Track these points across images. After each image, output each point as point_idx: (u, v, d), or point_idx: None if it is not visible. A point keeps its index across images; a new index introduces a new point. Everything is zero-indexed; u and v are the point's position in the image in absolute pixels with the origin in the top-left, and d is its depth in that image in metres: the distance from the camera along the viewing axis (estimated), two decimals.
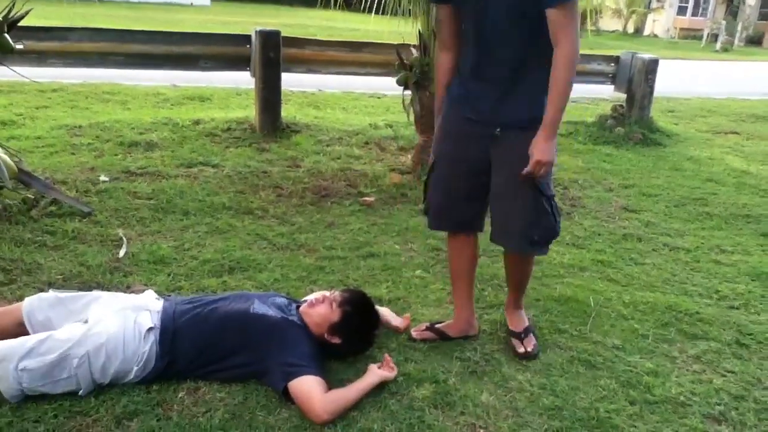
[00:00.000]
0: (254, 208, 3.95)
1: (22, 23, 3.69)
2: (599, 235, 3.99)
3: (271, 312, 2.28)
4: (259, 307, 2.27)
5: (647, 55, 7.04)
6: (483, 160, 2.40)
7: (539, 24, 2.17)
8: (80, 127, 5.55)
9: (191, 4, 24.73)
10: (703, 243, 3.96)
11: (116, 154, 4.84)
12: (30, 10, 3.68)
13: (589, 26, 7.16)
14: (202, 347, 2.18)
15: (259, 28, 5.54)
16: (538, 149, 2.22)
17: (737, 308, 3.11)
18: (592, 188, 4.97)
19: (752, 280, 3.45)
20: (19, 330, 2.22)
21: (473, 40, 2.32)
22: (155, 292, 2.47)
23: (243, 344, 2.19)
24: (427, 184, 2.60)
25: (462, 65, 2.43)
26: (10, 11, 3.51)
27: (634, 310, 3.00)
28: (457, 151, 2.45)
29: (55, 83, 7.09)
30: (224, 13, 22.51)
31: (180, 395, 2.11)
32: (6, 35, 3.56)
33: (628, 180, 5.25)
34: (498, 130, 2.33)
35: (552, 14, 2.14)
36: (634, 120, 6.84)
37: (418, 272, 3.24)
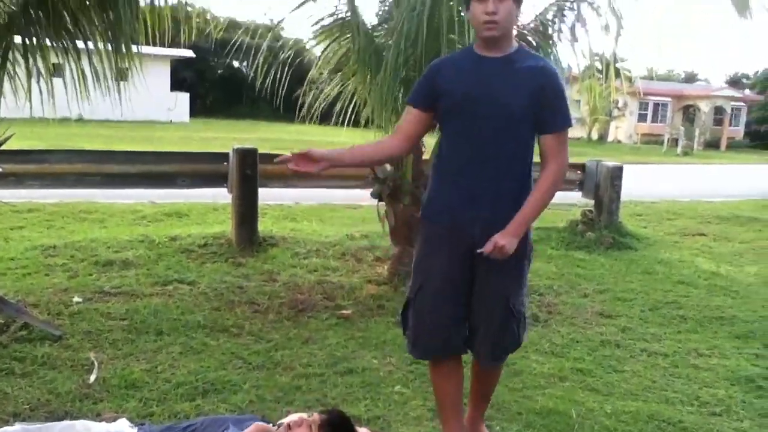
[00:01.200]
0: (230, 325, 3.91)
1: (2, 147, 3.78)
2: (577, 342, 3.99)
3: None
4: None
5: (611, 162, 7.34)
6: (467, 275, 2.39)
7: (530, 129, 2.33)
8: (55, 247, 5.52)
9: (170, 121, 25.38)
10: (680, 347, 3.97)
11: (91, 274, 4.80)
12: (12, 135, 3.77)
13: None
14: None
15: (236, 146, 5.70)
16: (504, 237, 2.24)
17: (719, 414, 3.09)
18: (568, 294, 5.01)
19: (732, 385, 3.44)
20: None
21: (461, 142, 2.35)
22: (128, 419, 2.40)
23: None
24: (408, 309, 2.51)
25: (444, 168, 2.43)
26: None
27: (616, 420, 2.97)
28: (444, 269, 2.39)
29: (30, 203, 7.12)
30: (203, 129, 23.10)
31: None
32: None
33: (602, 285, 5.31)
34: (482, 236, 2.29)
35: (548, 139, 2.32)
36: (604, 225, 7.01)
37: (397, 387, 3.19)
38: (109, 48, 3.80)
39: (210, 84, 35.55)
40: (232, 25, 4.69)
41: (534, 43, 4.57)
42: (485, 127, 2.29)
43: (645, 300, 4.94)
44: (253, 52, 4.92)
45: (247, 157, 5.65)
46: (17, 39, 3.70)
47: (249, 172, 5.64)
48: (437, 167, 2.48)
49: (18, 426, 2.26)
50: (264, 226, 6.25)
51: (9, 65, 3.71)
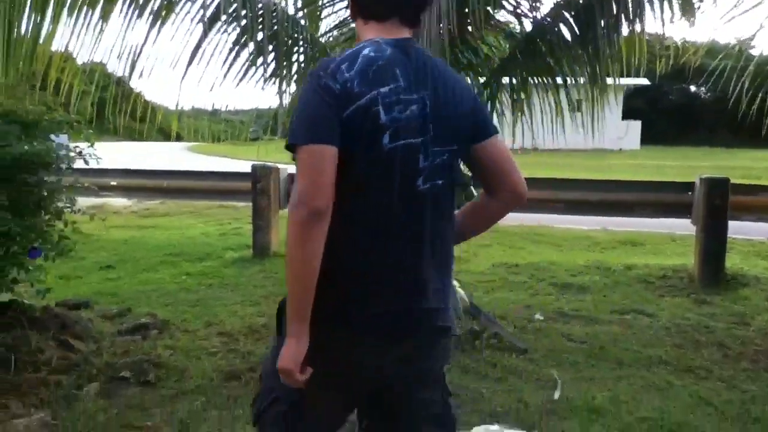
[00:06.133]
0: (695, 366, 3.60)
1: None
2: None
3: None
4: None
5: None
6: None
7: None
8: (517, 265, 5.98)
9: (620, 149, 25.25)
10: None
11: (550, 294, 5.03)
12: None
13: None
14: None
15: (704, 176, 5.29)
16: None
17: None
18: None
19: None
20: None
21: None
22: None
23: None
24: None
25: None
26: None
27: None
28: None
29: (496, 225, 7.85)
30: (654, 157, 22.32)
31: None
32: (471, 187, 4.12)
33: None
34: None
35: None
36: None
37: None
38: (582, 81, 3.96)
39: (662, 110, 34.18)
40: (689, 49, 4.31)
41: None
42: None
43: None
44: (715, 76, 4.41)
45: (717, 186, 5.18)
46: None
47: (718, 203, 5.16)
48: None
49: (497, 427, 2.46)
50: (731, 262, 5.63)
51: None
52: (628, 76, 4.47)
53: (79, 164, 3.75)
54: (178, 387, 3.28)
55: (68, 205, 3.69)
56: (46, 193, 3.58)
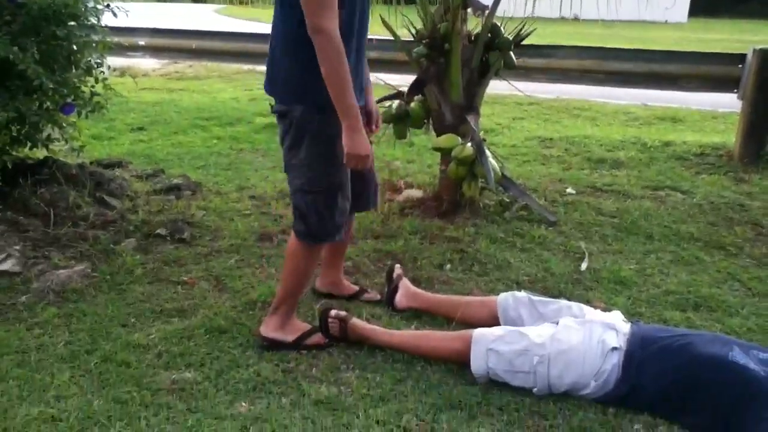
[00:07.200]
0: (726, 243, 3.57)
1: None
2: None
3: (752, 365, 1.98)
4: (739, 356, 2.00)
5: None
6: None
7: None
8: (551, 139, 5.86)
9: (666, 21, 23.91)
10: None
11: (583, 169, 4.95)
12: (533, 31, 3.99)
13: None
14: (668, 383, 2.03)
15: (758, 47, 4.98)
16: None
17: None
18: None
19: None
20: (492, 322, 2.43)
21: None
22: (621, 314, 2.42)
23: (713, 393, 1.97)
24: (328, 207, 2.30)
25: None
26: (520, 31, 3.86)
27: None
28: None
29: (531, 97, 7.64)
30: (702, 29, 21.16)
31: (635, 427, 2.01)
32: (511, 53, 3.94)
33: None
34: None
35: None
36: None
37: None
38: None
39: None
40: None
41: None
42: None
43: None
44: None
45: None
46: None
47: None
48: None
49: (525, 294, 2.49)
50: None
51: None
52: None
53: (107, 21, 3.65)
54: (213, 245, 3.37)
55: (99, 61, 3.63)
56: (76, 47, 3.50)
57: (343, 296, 2.81)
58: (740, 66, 5.14)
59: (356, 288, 2.85)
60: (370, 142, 2.27)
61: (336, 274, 2.82)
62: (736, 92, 5.23)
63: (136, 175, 4.36)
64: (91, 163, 4.32)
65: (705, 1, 29.44)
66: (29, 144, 3.56)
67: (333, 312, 2.44)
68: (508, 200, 4.05)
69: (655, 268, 3.22)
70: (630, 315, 2.70)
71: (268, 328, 2.43)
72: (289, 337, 2.41)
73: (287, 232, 3.53)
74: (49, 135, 3.58)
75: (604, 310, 2.49)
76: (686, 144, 5.52)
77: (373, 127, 2.54)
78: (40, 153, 3.80)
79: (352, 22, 2.15)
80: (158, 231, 3.43)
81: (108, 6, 3.61)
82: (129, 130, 6.03)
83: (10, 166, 3.47)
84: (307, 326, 2.49)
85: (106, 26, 3.62)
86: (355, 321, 2.44)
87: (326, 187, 2.25)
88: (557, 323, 2.25)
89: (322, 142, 2.20)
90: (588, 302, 2.80)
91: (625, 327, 2.23)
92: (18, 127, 3.46)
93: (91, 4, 3.49)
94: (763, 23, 24.44)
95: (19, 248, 3.02)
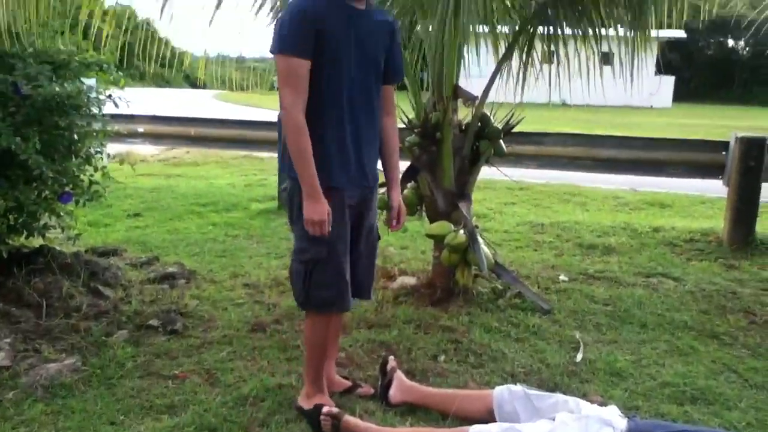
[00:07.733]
0: (720, 332, 3.56)
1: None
2: None
3: None
4: None
5: None
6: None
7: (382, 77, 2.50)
8: (542, 225, 5.93)
9: (651, 106, 24.66)
10: None
11: (575, 255, 5.00)
12: (523, 118, 4.12)
13: None
14: None
15: (739, 134, 5.14)
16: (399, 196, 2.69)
17: None
18: None
19: None
20: (487, 416, 2.40)
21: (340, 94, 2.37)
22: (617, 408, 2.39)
23: None
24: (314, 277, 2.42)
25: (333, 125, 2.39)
26: (509, 119, 3.99)
27: None
28: (342, 234, 2.45)
29: (522, 182, 7.78)
30: (686, 115, 21.80)
31: None
32: (501, 141, 4.05)
33: None
34: (369, 189, 2.54)
35: (389, 90, 2.58)
36: None
37: None
38: (622, 33, 3.83)
39: (697, 66, 33.22)
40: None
41: None
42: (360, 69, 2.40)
43: None
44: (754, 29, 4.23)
45: (753, 146, 5.04)
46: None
47: (753, 164, 5.03)
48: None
49: (520, 388, 2.47)
50: (763, 227, 5.52)
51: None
52: (668, 27, 4.30)
53: (106, 109, 3.75)
54: (205, 336, 3.34)
55: (98, 149, 3.71)
56: (77, 137, 3.59)
57: (336, 391, 2.77)
58: (723, 153, 5.29)
59: (349, 383, 2.81)
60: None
61: (328, 369, 2.79)
62: (721, 178, 5.35)
63: (131, 263, 4.37)
64: (86, 251, 4.34)
65: (688, 87, 30.53)
66: (26, 232, 3.59)
67: (325, 409, 2.41)
68: (501, 287, 4.06)
69: (650, 359, 3.20)
70: (627, 408, 2.67)
71: (300, 397, 2.59)
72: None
73: (280, 322, 3.52)
74: (45, 223, 3.61)
75: (601, 404, 2.47)
76: (675, 230, 5.60)
77: (393, 222, 2.68)
78: (36, 241, 3.82)
79: (337, 92, 2.34)
80: (150, 322, 3.41)
81: (110, 96, 3.73)
82: (125, 216, 6.08)
83: (5, 256, 3.49)
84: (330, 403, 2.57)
85: (104, 115, 3.73)
86: (348, 418, 2.40)
87: (309, 259, 2.41)
88: (554, 419, 2.22)
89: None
90: (584, 395, 2.77)
91: (622, 423, 2.20)
92: (15, 215, 3.50)
93: (93, 95, 3.60)
94: (744, 109, 25.26)
95: (9, 341, 2.99)
